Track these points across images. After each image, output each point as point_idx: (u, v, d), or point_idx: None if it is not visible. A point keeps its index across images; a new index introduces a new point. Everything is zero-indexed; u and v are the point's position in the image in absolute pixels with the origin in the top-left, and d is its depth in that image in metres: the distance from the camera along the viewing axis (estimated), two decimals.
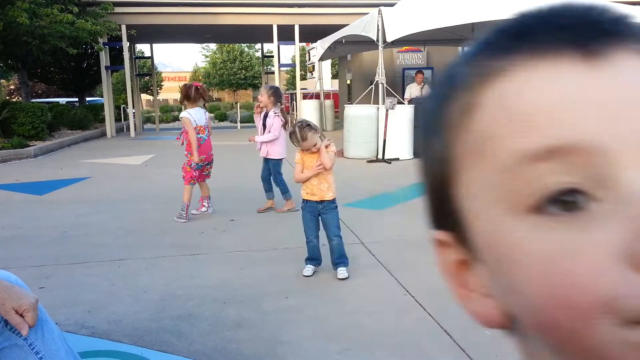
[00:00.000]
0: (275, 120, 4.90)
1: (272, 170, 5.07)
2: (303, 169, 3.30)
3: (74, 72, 18.53)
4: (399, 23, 8.30)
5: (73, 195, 6.21)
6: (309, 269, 3.31)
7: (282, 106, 5.10)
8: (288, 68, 29.12)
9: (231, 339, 2.47)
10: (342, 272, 3.25)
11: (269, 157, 5.02)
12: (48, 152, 10.80)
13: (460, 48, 17.15)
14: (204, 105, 4.97)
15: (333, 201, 3.29)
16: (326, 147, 3.25)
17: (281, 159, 5.08)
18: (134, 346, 2.42)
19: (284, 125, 4.96)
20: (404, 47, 15.65)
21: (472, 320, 0.32)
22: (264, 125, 4.99)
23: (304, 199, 3.33)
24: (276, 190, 5.16)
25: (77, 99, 20.17)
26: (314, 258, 3.34)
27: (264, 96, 4.97)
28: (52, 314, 2.71)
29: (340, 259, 3.27)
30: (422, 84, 12.01)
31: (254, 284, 3.20)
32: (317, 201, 3.26)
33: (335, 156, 3.33)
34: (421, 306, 2.81)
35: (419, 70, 12.49)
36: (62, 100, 19.71)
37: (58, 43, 11.70)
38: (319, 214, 3.29)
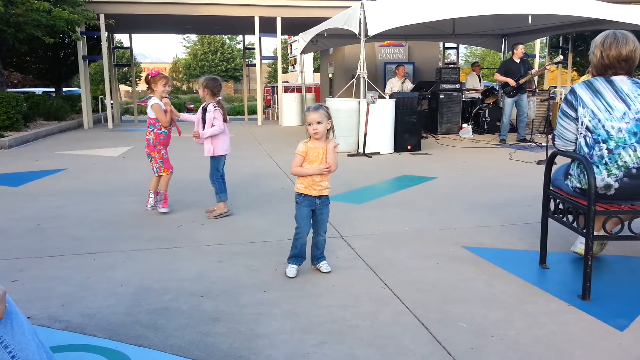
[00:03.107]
0: (216, 114, 4.57)
1: (211, 166, 4.70)
2: (304, 162, 3.13)
3: (50, 61, 18.15)
4: (381, 17, 8.30)
5: (49, 187, 6.10)
6: (293, 270, 3.18)
7: (219, 98, 4.69)
8: (270, 61, 28.95)
9: (208, 332, 2.46)
10: (325, 265, 3.24)
11: (215, 154, 4.65)
12: (23, 142, 10.59)
13: (441, 44, 17.25)
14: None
15: (328, 197, 3.22)
16: (334, 148, 3.12)
17: (224, 155, 4.72)
18: (109, 340, 2.39)
19: (224, 119, 4.65)
20: (386, 42, 15.68)
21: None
22: (204, 120, 4.63)
23: (300, 193, 3.16)
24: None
25: (53, 89, 19.78)
26: (299, 256, 3.21)
27: (200, 89, 4.67)
28: (25, 308, 2.66)
29: (322, 254, 3.27)
30: (403, 78, 12.05)
31: (232, 278, 3.18)
32: (315, 196, 3.14)
33: (337, 154, 3.19)
34: (399, 299, 2.83)
35: (400, 64, 12.52)
36: (38, 90, 19.32)
37: (34, 32, 11.44)
38: (314, 209, 3.18)
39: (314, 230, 3.25)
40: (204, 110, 4.66)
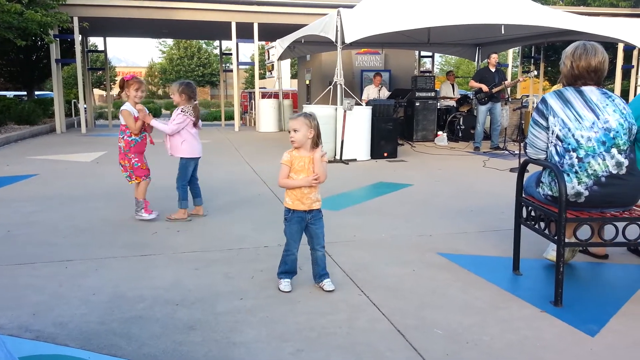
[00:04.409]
0: (177, 117, 4.56)
1: (179, 170, 4.68)
2: (290, 172, 2.98)
3: (22, 64, 17.81)
4: (358, 25, 8.37)
5: (19, 193, 5.97)
6: (287, 284, 3.05)
7: (195, 102, 4.69)
8: (247, 66, 28.88)
9: (183, 341, 2.43)
10: (329, 284, 3.06)
11: (176, 154, 4.66)
12: None
13: (416, 52, 17.45)
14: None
15: (320, 210, 3.06)
16: (321, 157, 2.97)
17: (190, 159, 4.67)
18: (81, 350, 2.34)
19: (195, 124, 4.65)
20: (363, 49, 15.79)
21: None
22: None
23: (289, 209, 3.01)
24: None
25: (25, 93, 19.39)
26: (291, 272, 3.09)
27: (174, 94, 4.63)
28: None
29: (324, 270, 3.11)
30: (380, 86, 12.16)
31: (208, 285, 3.15)
32: (305, 211, 3.00)
33: (327, 164, 3.05)
34: (375, 306, 2.84)
35: (377, 73, 12.63)
36: (10, 94, 18.93)
37: (5, 34, 11.23)
38: (307, 225, 3.03)
39: (310, 246, 3.09)
40: None
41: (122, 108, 4.60)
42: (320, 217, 3.08)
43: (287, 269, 3.09)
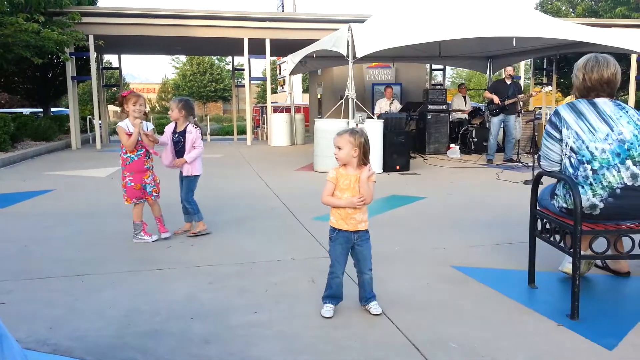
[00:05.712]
0: (196, 133, 4.58)
1: (186, 188, 4.69)
2: (335, 190, 2.85)
3: (39, 82, 18.12)
4: (369, 39, 8.42)
5: (36, 208, 6.05)
6: (329, 310, 2.88)
7: (195, 119, 4.73)
8: (259, 81, 29.12)
9: (198, 355, 2.44)
10: (376, 307, 2.92)
11: (194, 174, 4.67)
12: (10, 163, 10.50)
13: (427, 65, 17.50)
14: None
15: (367, 231, 2.92)
16: (368, 177, 2.83)
17: (198, 176, 4.73)
18: None
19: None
20: (374, 63, 15.87)
21: None
22: (177, 142, 4.63)
23: (334, 228, 2.88)
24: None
25: (41, 110, 19.71)
26: (336, 296, 2.92)
27: (174, 110, 4.59)
28: (12, 331, 2.64)
29: (371, 293, 2.96)
30: (392, 99, 12.19)
31: (222, 299, 3.16)
32: (351, 231, 2.86)
33: (374, 184, 2.89)
34: (389, 319, 2.83)
35: (388, 85, 12.68)
36: (26, 111, 19.23)
37: (23, 52, 11.46)
38: (353, 246, 2.89)
39: (357, 269, 2.96)
40: (180, 133, 4.64)
41: (118, 124, 4.53)
42: (367, 238, 2.92)
43: (332, 294, 2.92)
